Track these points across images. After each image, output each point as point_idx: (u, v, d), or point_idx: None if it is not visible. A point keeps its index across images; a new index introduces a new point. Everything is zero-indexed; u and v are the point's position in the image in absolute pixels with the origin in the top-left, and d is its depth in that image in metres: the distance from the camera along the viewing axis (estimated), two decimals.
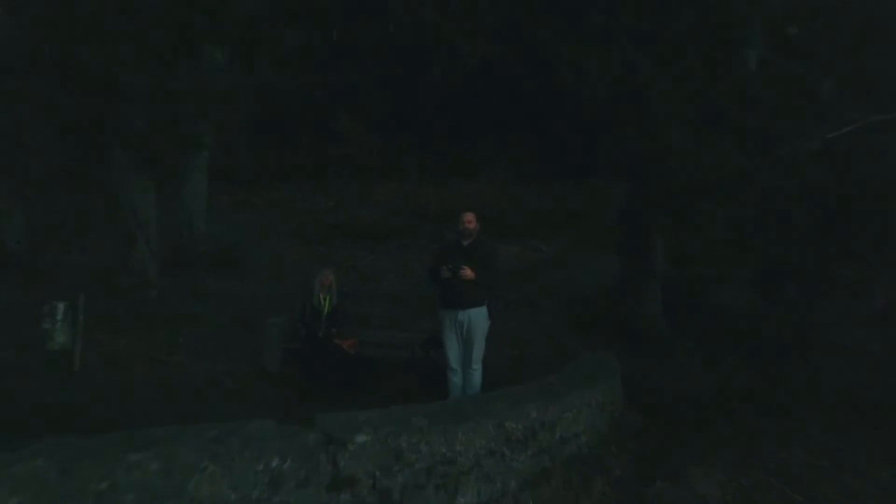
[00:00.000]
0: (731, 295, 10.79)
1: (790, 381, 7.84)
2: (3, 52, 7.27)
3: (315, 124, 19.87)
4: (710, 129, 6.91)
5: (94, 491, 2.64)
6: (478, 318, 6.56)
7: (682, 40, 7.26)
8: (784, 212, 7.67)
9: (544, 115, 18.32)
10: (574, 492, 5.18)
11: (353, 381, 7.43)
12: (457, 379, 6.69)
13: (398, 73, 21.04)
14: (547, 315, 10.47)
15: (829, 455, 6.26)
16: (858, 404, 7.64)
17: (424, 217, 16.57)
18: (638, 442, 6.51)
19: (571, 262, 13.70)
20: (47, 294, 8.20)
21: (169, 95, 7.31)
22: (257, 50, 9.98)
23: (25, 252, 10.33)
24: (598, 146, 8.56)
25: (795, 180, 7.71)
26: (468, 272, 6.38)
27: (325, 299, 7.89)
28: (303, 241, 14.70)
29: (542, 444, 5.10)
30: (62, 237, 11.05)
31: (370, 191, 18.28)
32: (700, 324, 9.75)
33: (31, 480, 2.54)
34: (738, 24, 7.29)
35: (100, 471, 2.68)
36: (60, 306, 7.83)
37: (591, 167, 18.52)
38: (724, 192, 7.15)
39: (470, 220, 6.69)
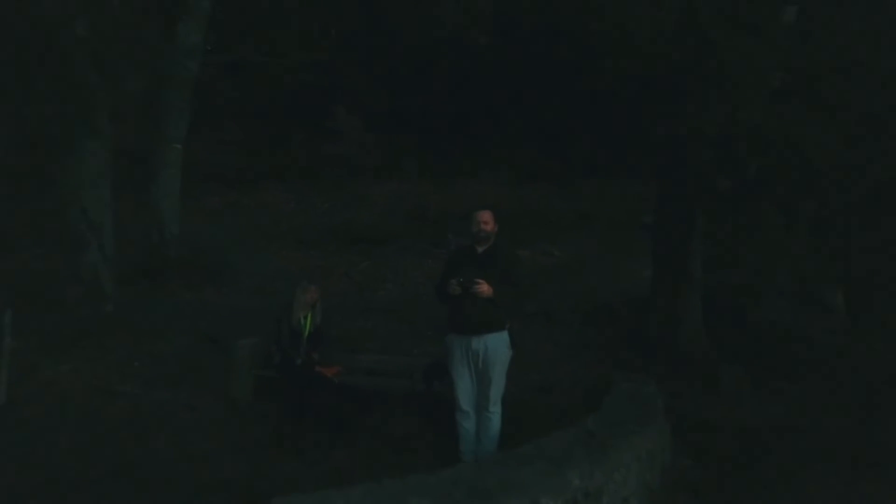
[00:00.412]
0: (776, 308, 9.46)
1: (879, 424, 6.45)
2: None
3: (310, 121, 18.86)
4: (806, 105, 5.49)
5: None
6: (497, 346, 5.22)
7: None
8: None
9: (561, 102, 17.14)
10: None
11: (337, 420, 6.08)
12: (468, 424, 5.33)
13: (397, 65, 19.95)
14: (566, 330, 9.11)
15: None
16: None
17: (425, 219, 15.46)
18: (696, 501, 5.16)
19: (586, 267, 12.37)
20: None
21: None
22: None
23: None
24: (632, 133, 7.22)
25: None
26: (484, 287, 5.07)
27: (306, 318, 6.55)
28: (293, 245, 13.47)
29: None
30: None
31: (367, 191, 17.15)
32: (746, 342, 8.39)
33: None
34: None
35: None
36: None
37: (604, 164, 17.47)
38: (830, 184, 5.77)
39: (486, 220, 5.36)
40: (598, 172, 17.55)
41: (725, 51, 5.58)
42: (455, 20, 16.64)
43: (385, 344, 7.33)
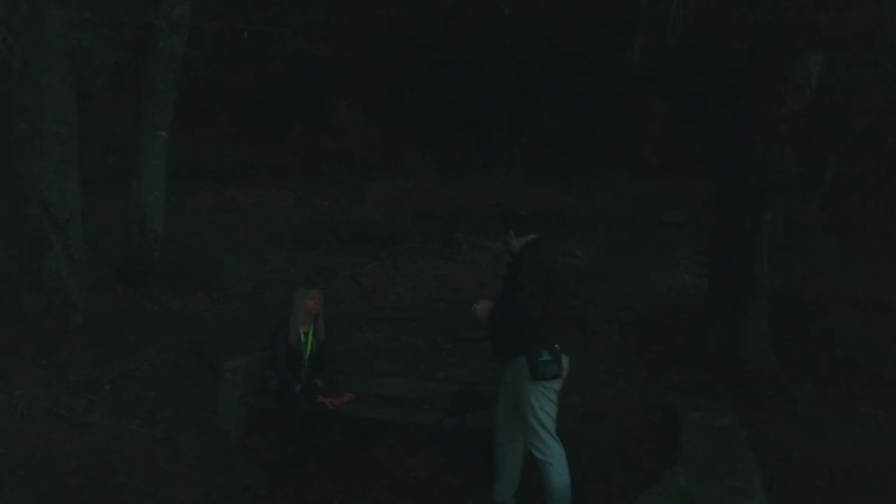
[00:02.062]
0: (839, 315, 8.37)
1: None
2: None
3: (308, 113, 17.91)
4: None
5: None
6: (516, 376, 4.39)
7: None
8: None
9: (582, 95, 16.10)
10: None
11: (346, 461, 4.97)
12: (500, 454, 4.55)
13: (401, 55, 18.93)
14: (603, 342, 8.01)
15: None
16: None
17: (432, 217, 14.42)
18: None
19: (614, 270, 11.26)
20: None
21: None
22: None
23: None
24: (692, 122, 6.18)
25: None
26: (476, 309, 4.56)
27: (307, 335, 5.41)
28: (291, 245, 12.40)
29: None
30: None
31: (369, 187, 16.15)
32: (813, 356, 7.29)
33: None
34: None
35: None
36: None
37: (620, 160, 16.47)
38: None
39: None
40: (611, 168, 16.60)
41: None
42: None
43: (400, 362, 6.15)
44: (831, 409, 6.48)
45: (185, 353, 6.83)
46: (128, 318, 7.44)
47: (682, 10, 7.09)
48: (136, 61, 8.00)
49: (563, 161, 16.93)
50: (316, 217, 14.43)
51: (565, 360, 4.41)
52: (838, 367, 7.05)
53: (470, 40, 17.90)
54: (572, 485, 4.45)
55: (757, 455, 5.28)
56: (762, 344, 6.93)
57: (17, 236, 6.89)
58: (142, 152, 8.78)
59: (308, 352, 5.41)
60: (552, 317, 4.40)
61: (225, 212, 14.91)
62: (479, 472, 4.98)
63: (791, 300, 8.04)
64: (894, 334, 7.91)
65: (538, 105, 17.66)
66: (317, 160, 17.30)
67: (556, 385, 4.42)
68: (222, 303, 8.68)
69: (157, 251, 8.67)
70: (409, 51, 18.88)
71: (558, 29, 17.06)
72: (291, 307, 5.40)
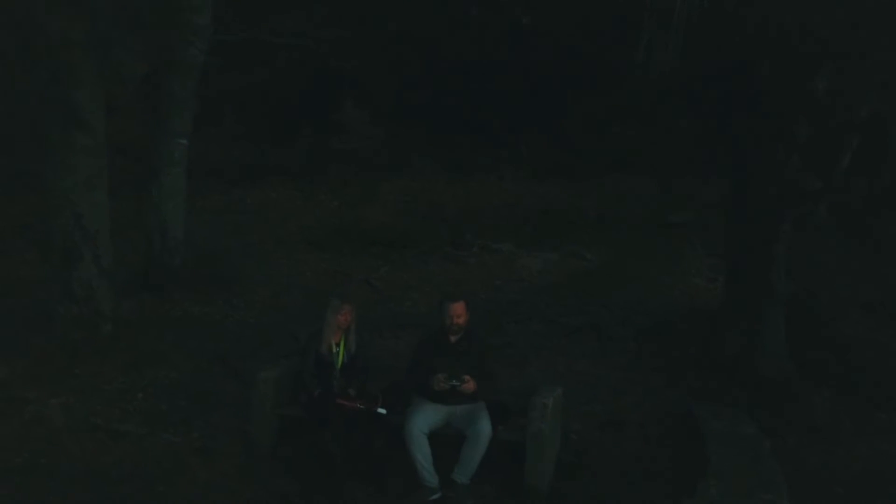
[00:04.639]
0: (851, 321, 8.48)
1: None
2: None
3: (315, 114, 17.95)
4: None
5: None
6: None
7: None
8: None
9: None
10: None
11: (384, 468, 5.11)
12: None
13: (407, 55, 18.97)
14: (619, 347, 8.11)
15: None
16: None
17: (440, 218, 14.46)
18: None
19: (625, 273, 11.34)
20: None
21: None
22: None
23: None
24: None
25: None
26: (471, 385, 5.15)
27: (339, 345, 5.54)
28: (303, 247, 12.45)
29: None
30: None
31: (376, 188, 16.17)
32: (828, 363, 7.41)
33: None
34: None
35: None
36: None
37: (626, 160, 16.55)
38: None
39: (460, 313, 5.35)
40: (617, 169, 16.66)
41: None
42: None
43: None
44: (848, 415, 6.61)
45: (212, 361, 6.95)
46: (153, 326, 7.53)
47: (690, 14, 7.19)
48: (157, 70, 8.06)
49: (569, 162, 17.01)
50: (324, 218, 14.47)
51: None
52: (853, 374, 7.18)
53: (477, 40, 17.96)
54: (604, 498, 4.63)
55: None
56: (779, 351, 7.05)
57: (47, 247, 7.00)
58: (162, 160, 8.86)
59: (339, 362, 5.53)
60: None
61: (232, 212, 14.92)
62: (510, 479, 5.13)
63: (803, 305, 8.14)
64: None
65: (545, 105, 17.72)
66: (323, 161, 17.28)
67: None
68: (242, 309, 8.75)
69: (179, 258, 8.75)
70: (416, 51, 18.94)
71: (565, 30, 17.12)
72: (325, 319, 5.52)
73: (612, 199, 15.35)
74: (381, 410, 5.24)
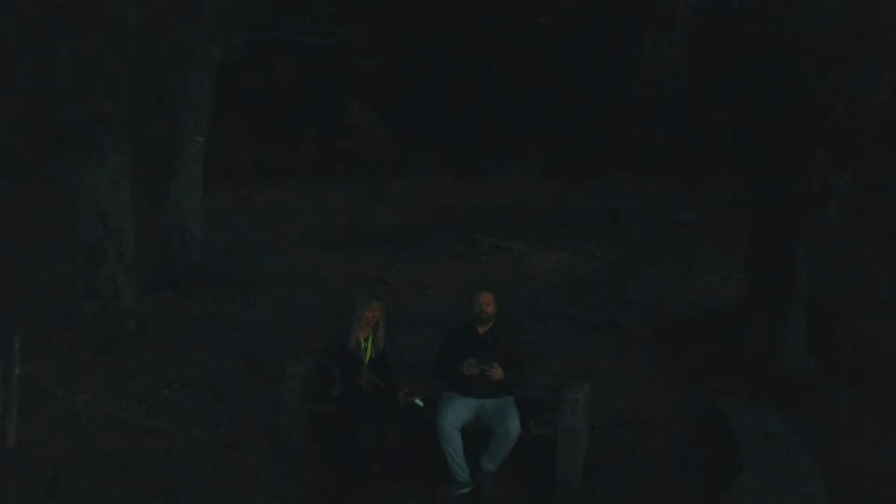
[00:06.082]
0: (868, 320, 8.48)
1: None
2: None
3: (322, 114, 17.96)
4: None
5: None
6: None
7: None
8: None
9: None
10: None
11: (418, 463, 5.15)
12: None
13: (414, 55, 18.97)
14: (638, 345, 8.14)
15: None
16: None
17: (449, 218, 14.50)
18: None
19: (638, 272, 11.37)
20: None
21: None
22: None
23: None
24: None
25: None
26: (499, 373, 5.20)
27: (367, 341, 5.57)
28: (314, 246, 12.48)
29: None
30: None
31: (384, 188, 16.23)
32: (848, 362, 7.41)
33: None
34: None
35: None
36: None
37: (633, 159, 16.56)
38: None
39: (488, 301, 5.47)
40: (624, 167, 16.69)
41: None
42: None
43: None
44: (871, 414, 6.61)
45: (234, 358, 6.96)
46: (174, 323, 7.55)
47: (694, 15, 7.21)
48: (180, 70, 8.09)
49: (576, 161, 17.02)
50: (334, 218, 14.53)
51: None
52: (874, 372, 7.19)
53: (483, 41, 17.98)
54: (636, 492, 4.65)
55: None
56: (801, 350, 7.07)
57: (72, 245, 7.03)
58: (179, 158, 8.91)
59: (367, 357, 5.56)
60: None
61: (241, 212, 14.96)
62: (540, 474, 5.16)
63: (819, 304, 8.15)
64: None
65: (554, 106, 17.73)
66: (331, 161, 17.35)
67: None
68: (260, 306, 8.79)
69: (196, 256, 8.79)
70: (423, 51, 18.95)
71: (572, 31, 17.18)
72: (354, 315, 5.56)
73: (622, 199, 15.41)
74: (419, 402, 5.28)
